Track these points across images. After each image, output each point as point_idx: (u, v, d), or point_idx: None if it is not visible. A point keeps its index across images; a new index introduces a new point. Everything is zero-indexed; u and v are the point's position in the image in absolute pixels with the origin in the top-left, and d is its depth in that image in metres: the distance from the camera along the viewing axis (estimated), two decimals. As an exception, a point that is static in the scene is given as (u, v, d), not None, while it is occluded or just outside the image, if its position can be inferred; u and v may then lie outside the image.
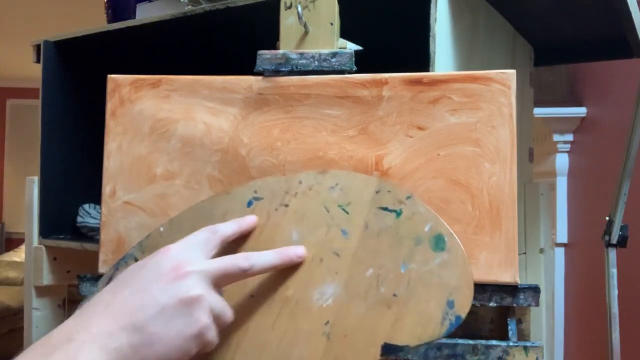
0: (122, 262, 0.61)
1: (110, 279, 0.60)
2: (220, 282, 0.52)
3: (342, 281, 0.56)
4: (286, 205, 0.59)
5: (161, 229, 0.61)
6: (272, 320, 0.56)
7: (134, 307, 0.48)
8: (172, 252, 0.52)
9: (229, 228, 0.57)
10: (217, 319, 0.51)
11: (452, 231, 0.56)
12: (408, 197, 0.57)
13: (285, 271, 0.57)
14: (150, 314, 0.47)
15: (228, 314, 0.52)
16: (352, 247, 0.57)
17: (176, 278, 0.49)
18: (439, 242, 0.56)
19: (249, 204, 0.60)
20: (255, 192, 0.60)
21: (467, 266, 0.55)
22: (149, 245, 0.61)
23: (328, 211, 0.58)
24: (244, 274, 0.53)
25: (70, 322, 0.47)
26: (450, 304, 0.54)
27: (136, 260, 0.60)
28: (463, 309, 0.54)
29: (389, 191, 0.58)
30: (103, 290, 0.50)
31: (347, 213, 0.57)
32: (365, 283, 0.55)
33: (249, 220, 0.58)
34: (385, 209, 0.57)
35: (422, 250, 0.56)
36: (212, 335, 0.50)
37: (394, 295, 0.55)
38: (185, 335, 0.48)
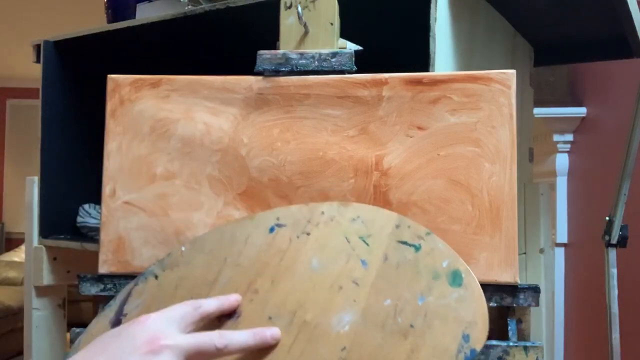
0: (142, 277, 0.61)
1: (129, 295, 0.60)
2: (196, 357, 0.51)
3: (360, 309, 0.57)
4: (308, 234, 0.60)
5: (182, 248, 0.61)
6: (289, 343, 0.56)
7: None
8: (149, 323, 0.51)
9: (212, 305, 0.56)
10: None
11: (469, 268, 0.57)
12: (427, 234, 0.58)
13: (305, 296, 0.57)
14: None
15: None
16: (371, 277, 0.57)
17: (150, 352, 0.49)
18: (456, 278, 0.57)
19: (271, 229, 0.60)
20: (278, 219, 0.61)
21: (482, 302, 0.56)
22: (169, 264, 0.61)
23: (349, 241, 0.59)
24: (218, 352, 0.52)
25: None
26: (466, 338, 0.55)
27: (156, 277, 0.61)
28: (478, 342, 0.54)
29: (408, 226, 0.59)
30: (76, 356, 0.50)
31: (367, 244, 0.59)
32: (383, 312, 0.56)
33: (231, 299, 0.58)
34: (405, 243, 0.58)
35: (440, 284, 0.56)
36: None
37: (411, 326, 0.55)
38: None
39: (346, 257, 0.58)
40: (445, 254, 0.57)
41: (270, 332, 0.56)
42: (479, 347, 0.54)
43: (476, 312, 0.55)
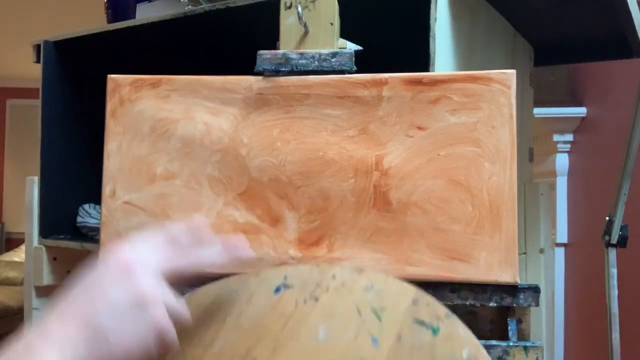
0: None
1: None
2: (171, 277, 0.51)
3: None
4: (316, 299, 0.55)
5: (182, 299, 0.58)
6: None
7: (86, 305, 0.47)
8: (121, 249, 0.51)
9: (177, 224, 0.56)
10: (173, 317, 0.49)
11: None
12: (447, 315, 0.53)
13: None
14: (102, 309, 0.46)
15: (184, 313, 0.51)
16: (381, 359, 0.52)
17: (126, 272, 0.48)
18: None
19: (277, 290, 0.56)
20: (286, 277, 0.56)
21: None
22: None
23: (360, 314, 0.54)
24: (193, 267, 0.52)
25: (30, 334, 0.46)
26: None
27: None
28: None
29: (427, 304, 0.54)
30: (59, 298, 0.49)
31: (380, 320, 0.53)
32: None
33: (196, 220, 0.57)
34: (422, 323, 0.53)
35: None
36: (172, 336, 0.48)
37: None
38: (142, 331, 0.47)
39: (356, 331, 0.53)
40: (466, 341, 0.52)
41: (244, 251, 0.54)
42: None
43: None
